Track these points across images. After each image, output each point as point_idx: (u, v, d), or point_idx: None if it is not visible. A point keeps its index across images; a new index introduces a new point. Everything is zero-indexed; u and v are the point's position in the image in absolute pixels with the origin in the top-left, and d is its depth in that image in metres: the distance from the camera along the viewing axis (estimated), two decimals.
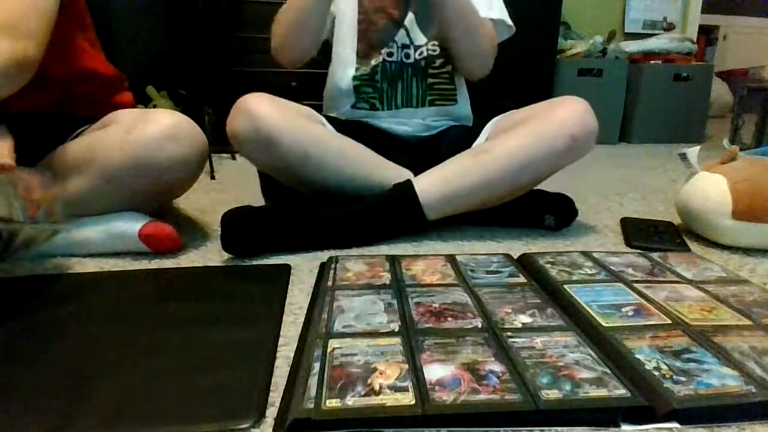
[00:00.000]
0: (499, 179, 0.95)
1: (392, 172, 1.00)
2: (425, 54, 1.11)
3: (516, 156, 0.94)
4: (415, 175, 0.99)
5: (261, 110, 0.90)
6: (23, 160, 0.85)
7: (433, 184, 0.95)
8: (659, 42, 2.62)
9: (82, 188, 0.85)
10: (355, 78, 1.11)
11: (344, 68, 1.12)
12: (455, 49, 1.09)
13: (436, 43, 1.11)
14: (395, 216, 0.95)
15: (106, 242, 0.88)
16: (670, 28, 2.85)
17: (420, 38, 1.11)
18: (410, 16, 1.10)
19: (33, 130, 0.93)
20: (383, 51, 1.10)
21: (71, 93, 0.96)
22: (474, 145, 1.05)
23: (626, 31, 2.88)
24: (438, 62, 1.12)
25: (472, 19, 1.05)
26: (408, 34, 1.10)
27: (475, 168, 0.95)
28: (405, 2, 1.11)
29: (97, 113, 0.95)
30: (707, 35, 3.96)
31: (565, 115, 0.95)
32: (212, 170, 1.55)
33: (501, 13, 1.12)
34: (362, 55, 1.11)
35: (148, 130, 0.83)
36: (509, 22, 1.12)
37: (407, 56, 1.11)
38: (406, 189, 0.95)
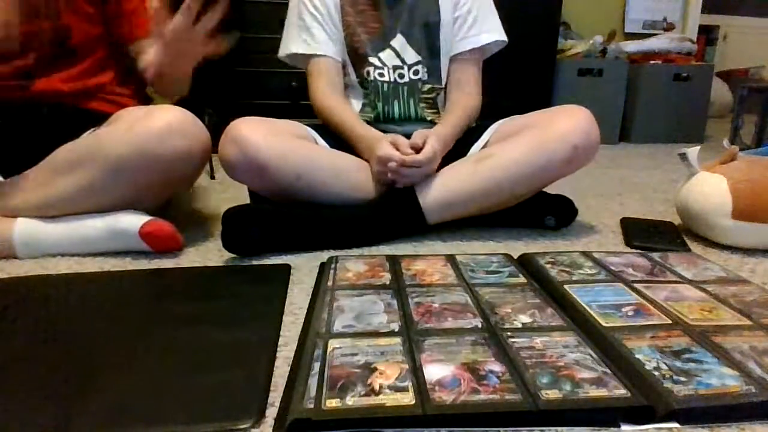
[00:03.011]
0: (499, 187, 0.95)
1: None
2: (422, 76, 1.10)
3: (517, 164, 0.94)
4: None
5: (251, 138, 0.89)
6: (38, 151, 0.89)
7: (434, 189, 0.95)
8: (659, 42, 2.62)
9: (88, 181, 0.85)
10: (362, 89, 1.11)
11: (351, 74, 1.12)
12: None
13: (429, 69, 1.10)
14: (396, 219, 0.96)
15: (107, 240, 0.88)
16: (670, 28, 2.85)
17: (412, 56, 1.10)
18: (400, 39, 1.08)
19: (57, 122, 0.96)
20: (373, 70, 1.09)
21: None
22: (474, 147, 1.05)
23: (626, 31, 2.87)
24: (426, 87, 1.12)
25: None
26: (398, 55, 1.09)
27: (476, 175, 0.95)
28: (390, 21, 1.08)
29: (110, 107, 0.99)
30: (707, 35, 3.95)
31: (567, 125, 0.95)
32: (212, 170, 1.55)
33: (493, 29, 1.12)
34: (356, 67, 1.10)
35: (153, 123, 0.84)
36: (501, 38, 1.12)
37: (401, 76, 1.10)
38: (407, 193, 0.95)
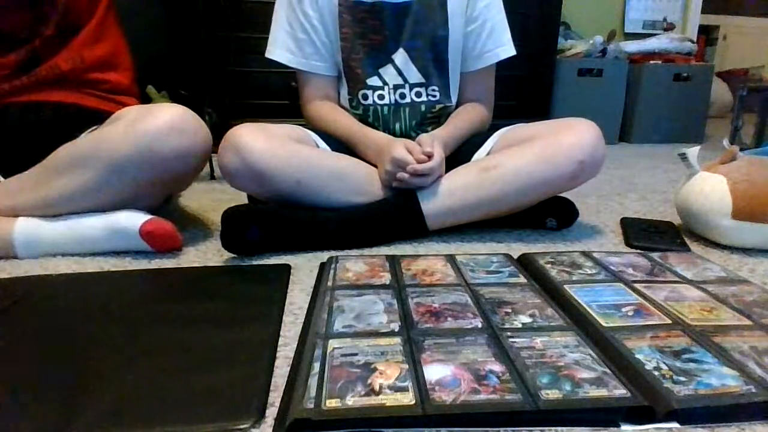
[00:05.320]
0: (503, 197, 0.95)
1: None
2: (425, 98, 1.08)
3: (522, 176, 0.94)
4: None
5: (251, 145, 0.87)
6: (38, 151, 0.89)
7: (437, 196, 0.95)
8: (659, 42, 2.62)
9: (88, 181, 0.85)
10: (351, 108, 1.09)
11: (343, 91, 1.09)
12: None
13: (436, 88, 1.08)
14: (396, 224, 0.95)
15: (107, 239, 0.88)
16: (670, 28, 2.85)
17: (414, 75, 1.07)
18: (402, 54, 1.05)
19: (54, 123, 0.97)
20: (372, 93, 1.06)
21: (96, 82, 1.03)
22: (477, 154, 1.05)
23: (626, 31, 2.88)
24: (438, 107, 1.10)
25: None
26: (400, 73, 1.06)
27: (480, 184, 0.95)
28: (393, 32, 1.04)
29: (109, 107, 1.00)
30: (707, 35, 3.96)
31: (575, 140, 0.94)
32: (212, 170, 1.55)
33: (507, 41, 1.11)
34: (350, 85, 1.07)
35: (153, 121, 0.84)
36: (513, 52, 1.12)
37: (402, 96, 1.07)
38: (409, 198, 0.95)
